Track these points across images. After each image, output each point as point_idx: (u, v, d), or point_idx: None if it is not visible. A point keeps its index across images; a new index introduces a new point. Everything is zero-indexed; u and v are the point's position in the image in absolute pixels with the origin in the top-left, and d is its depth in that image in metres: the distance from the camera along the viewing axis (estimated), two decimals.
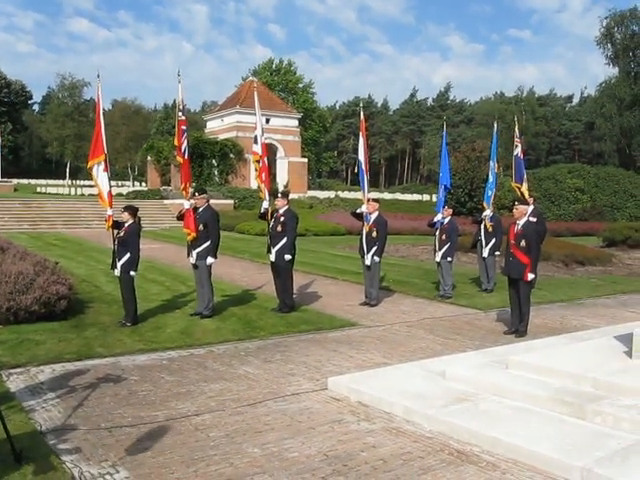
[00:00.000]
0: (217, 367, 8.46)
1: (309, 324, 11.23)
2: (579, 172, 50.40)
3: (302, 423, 6.39)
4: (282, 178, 59.86)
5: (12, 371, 7.94)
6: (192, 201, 11.49)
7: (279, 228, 12.11)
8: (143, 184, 70.58)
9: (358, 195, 66.11)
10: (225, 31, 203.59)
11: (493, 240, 15.21)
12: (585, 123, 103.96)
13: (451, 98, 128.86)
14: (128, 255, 10.63)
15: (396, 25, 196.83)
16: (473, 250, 17.21)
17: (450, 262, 14.37)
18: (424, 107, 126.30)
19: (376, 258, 13.14)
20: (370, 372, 8.03)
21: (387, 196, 66.31)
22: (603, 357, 7.45)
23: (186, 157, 11.57)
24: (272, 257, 12.22)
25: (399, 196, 66.69)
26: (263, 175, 12.61)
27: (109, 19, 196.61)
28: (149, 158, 57.31)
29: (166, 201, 41.10)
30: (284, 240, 12.04)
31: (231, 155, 54.37)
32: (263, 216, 12.60)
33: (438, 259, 14.34)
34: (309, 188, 64.22)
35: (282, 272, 12.23)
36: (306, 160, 65.63)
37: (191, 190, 11.59)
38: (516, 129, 18.22)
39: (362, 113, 14.65)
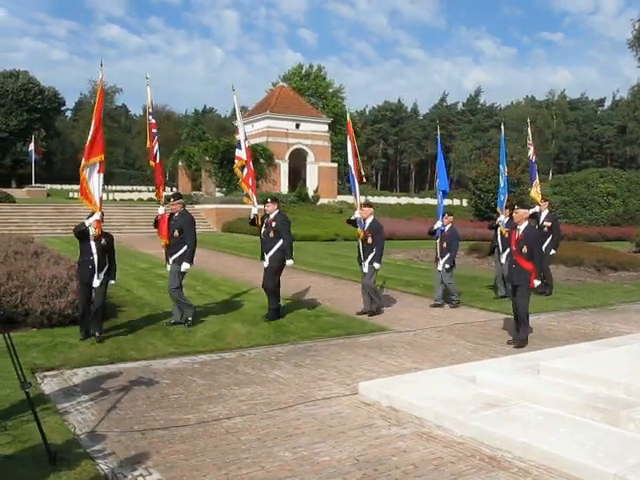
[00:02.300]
0: (248, 371, 8.51)
1: (340, 329, 11.25)
2: (611, 176, 49.88)
3: (333, 427, 6.41)
4: (312, 183, 59.94)
5: (46, 374, 8.06)
6: (166, 207, 11.44)
7: (271, 234, 11.83)
8: (174, 189, 71.04)
9: (389, 199, 66.19)
10: (256, 36, 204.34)
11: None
12: (617, 127, 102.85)
13: (481, 102, 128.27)
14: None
15: (427, 29, 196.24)
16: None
17: (451, 269, 13.96)
18: (454, 111, 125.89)
19: (376, 265, 12.70)
20: (401, 377, 8.02)
21: (417, 201, 66.14)
22: (636, 363, 7.37)
23: (157, 161, 11.27)
24: (265, 263, 11.93)
25: (429, 201, 66.34)
26: (250, 181, 12.38)
27: (140, 25, 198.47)
28: (180, 163, 57.66)
29: (197, 206, 41.31)
30: (278, 245, 11.78)
31: (261, 160, 54.48)
32: (253, 222, 12.26)
33: (440, 267, 13.88)
34: (339, 193, 64.18)
35: (269, 276, 11.91)
36: (336, 165, 65.65)
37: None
38: (529, 131, 17.73)
39: (348, 115, 14.33)
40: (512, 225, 13.70)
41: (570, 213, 47.69)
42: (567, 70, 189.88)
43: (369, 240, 12.67)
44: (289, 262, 11.93)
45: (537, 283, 10.24)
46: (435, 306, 13.90)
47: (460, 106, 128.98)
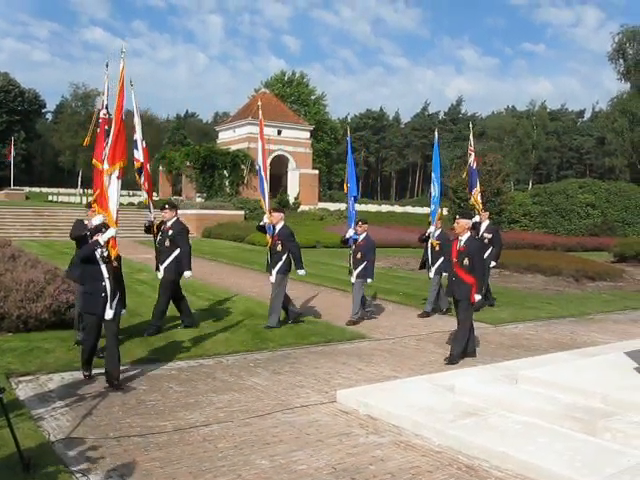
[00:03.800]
0: (226, 378, 8.46)
1: (319, 336, 11.22)
2: (590, 187, 50.27)
3: (310, 435, 6.38)
4: (293, 190, 59.99)
5: (21, 379, 7.95)
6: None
7: (167, 242, 11.11)
8: (154, 194, 70.85)
9: (370, 207, 66.28)
10: (239, 42, 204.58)
11: (441, 259, 13.49)
12: (596, 138, 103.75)
13: (463, 112, 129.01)
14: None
15: (411, 38, 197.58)
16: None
17: (366, 281, 12.95)
18: (436, 120, 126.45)
19: (280, 275, 11.79)
20: (379, 385, 8.01)
21: (397, 209, 66.31)
22: (613, 373, 7.41)
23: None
24: (160, 274, 11.26)
25: (410, 209, 66.61)
26: (146, 184, 11.77)
27: (124, 29, 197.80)
28: (161, 168, 57.49)
29: (178, 211, 41.11)
30: (174, 254, 11.08)
31: (242, 166, 54.45)
32: (148, 230, 11.57)
33: (354, 280, 12.82)
34: (320, 200, 64.31)
35: (162, 289, 11.24)
36: (317, 172, 65.79)
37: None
38: (471, 137, 16.61)
39: (260, 113, 13.84)
40: (443, 237, 13.61)
41: (549, 223, 48.03)
42: (548, 81, 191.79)
43: (279, 247, 11.90)
44: (187, 274, 11.12)
45: (478, 297, 9.66)
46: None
47: (442, 115, 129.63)
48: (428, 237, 13.94)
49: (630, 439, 5.76)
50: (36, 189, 75.38)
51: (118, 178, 8.13)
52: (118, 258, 8.10)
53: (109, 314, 7.79)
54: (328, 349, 10.43)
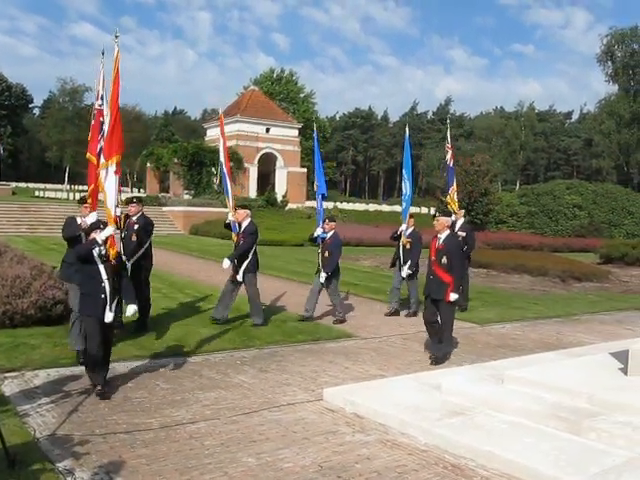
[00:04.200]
0: (212, 375, 8.44)
1: (305, 334, 11.21)
2: (577, 188, 50.63)
3: (297, 433, 6.38)
4: (281, 188, 59.93)
5: (7, 375, 7.90)
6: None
7: (133, 237, 10.71)
8: (142, 190, 70.55)
9: (358, 206, 66.36)
10: (229, 39, 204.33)
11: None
12: (584, 140, 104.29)
13: (451, 112, 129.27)
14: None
15: (400, 37, 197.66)
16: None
17: (331, 280, 12.55)
18: (424, 120, 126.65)
19: (239, 276, 11.65)
20: (366, 384, 8.02)
21: (385, 208, 66.38)
22: (599, 373, 7.45)
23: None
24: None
25: (397, 208, 66.59)
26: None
27: (113, 24, 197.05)
28: (148, 165, 57.35)
29: (165, 208, 41.07)
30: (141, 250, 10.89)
31: (230, 164, 54.42)
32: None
33: (322, 280, 12.46)
34: (308, 198, 64.22)
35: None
36: (305, 170, 65.65)
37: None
38: (448, 134, 16.17)
39: (221, 110, 13.25)
40: (416, 236, 13.51)
41: (536, 224, 48.29)
42: (537, 82, 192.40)
43: (326, 254, 12.15)
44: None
45: (455, 296, 9.44)
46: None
47: (430, 115, 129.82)
48: (400, 235, 13.76)
49: (615, 439, 5.79)
50: (23, 184, 75.03)
51: (116, 173, 7.59)
52: (118, 257, 7.69)
53: (109, 317, 7.36)
54: (315, 347, 10.43)
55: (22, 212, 36.80)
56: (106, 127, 7.75)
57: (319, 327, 11.92)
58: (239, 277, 11.62)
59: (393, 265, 14.33)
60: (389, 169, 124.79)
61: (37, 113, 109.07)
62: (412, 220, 13.74)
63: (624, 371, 7.24)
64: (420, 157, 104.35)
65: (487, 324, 13.09)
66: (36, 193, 61.29)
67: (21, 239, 27.73)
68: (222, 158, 12.68)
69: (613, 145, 73.47)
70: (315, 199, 13.55)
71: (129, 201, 11.35)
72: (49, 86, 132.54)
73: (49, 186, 73.33)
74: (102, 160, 7.68)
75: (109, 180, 7.59)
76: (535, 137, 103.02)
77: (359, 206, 66.81)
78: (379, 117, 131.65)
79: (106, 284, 7.37)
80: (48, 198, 55.17)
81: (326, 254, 12.49)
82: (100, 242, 7.37)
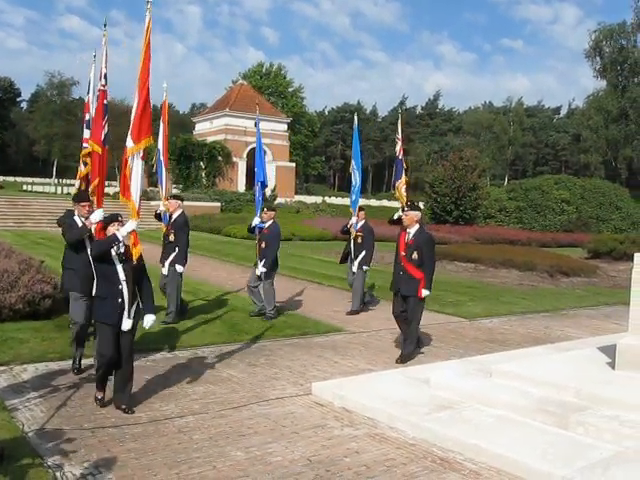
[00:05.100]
0: (201, 370, 8.43)
1: (294, 329, 11.22)
2: (565, 183, 50.79)
3: (286, 427, 6.39)
4: (270, 182, 59.82)
5: None
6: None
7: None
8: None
9: (346, 200, 66.26)
10: (218, 33, 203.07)
11: (363, 252, 13.17)
12: (572, 135, 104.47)
13: (440, 107, 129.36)
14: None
15: (390, 32, 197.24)
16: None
17: (269, 274, 11.98)
18: (413, 115, 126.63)
19: (177, 267, 11.39)
20: (354, 378, 8.04)
21: (374, 202, 66.38)
22: (586, 368, 7.49)
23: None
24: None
25: (386, 203, 66.68)
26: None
27: (101, 17, 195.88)
28: None
29: (153, 202, 40.88)
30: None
31: (219, 158, 54.34)
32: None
33: (258, 272, 11.84)
34: (296, 193, 64.22)
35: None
36: (294, 165, 65.65)
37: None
38: (399, 125, 15.20)
39: (165, 94, 12.66)
40: (367, 229, 13.22)
41: (524, 219, 48.40)
42: (525, 77, 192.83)
43: (171, 237, 11.39)
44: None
45: (427, 293, 9.19)
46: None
47: (419, 110, 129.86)
48: (349, 229, 13.36)
49: (602, 433, 5.83)
50: (10, 178, 74.59)
51: (142, 159, 6.69)
52: (140, 257, 6.71)
53: (127, 324, 6.55)
54: (303, 342, 10.43)
55: (9, 206, 36.59)
56: (134, 107, 6.72)
57: (307, 321, 11.93)
58: (164, 270, 11.44)
59: (345, 260, 13.83)
60: (378, 164, 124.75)
61: (25, 107, 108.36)
62: (362, 213, 13.40)
63: (611, 365, 7.28)
64: (408, 152, 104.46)
65: (475, 319, 13.13)
66: (24, 187, 61.07)
67: (9, 233, 27.60)
68: (161, 146, 12.04)
69: (601, 140, 73.73)
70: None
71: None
72: (37, 79, 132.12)
73: (37, 180, 73.05)
74: (130, 144, 6.62)
75: (136, 167, 6.65)
76: (523, 132, 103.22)
77: (348, 200, 66.67)
78: (368, 112, 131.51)
79: (124, 286, 6.56)
80: (36, 192, 54.94)
81: (263, 244, 11.84)
82: (121, 239, 6.51)
